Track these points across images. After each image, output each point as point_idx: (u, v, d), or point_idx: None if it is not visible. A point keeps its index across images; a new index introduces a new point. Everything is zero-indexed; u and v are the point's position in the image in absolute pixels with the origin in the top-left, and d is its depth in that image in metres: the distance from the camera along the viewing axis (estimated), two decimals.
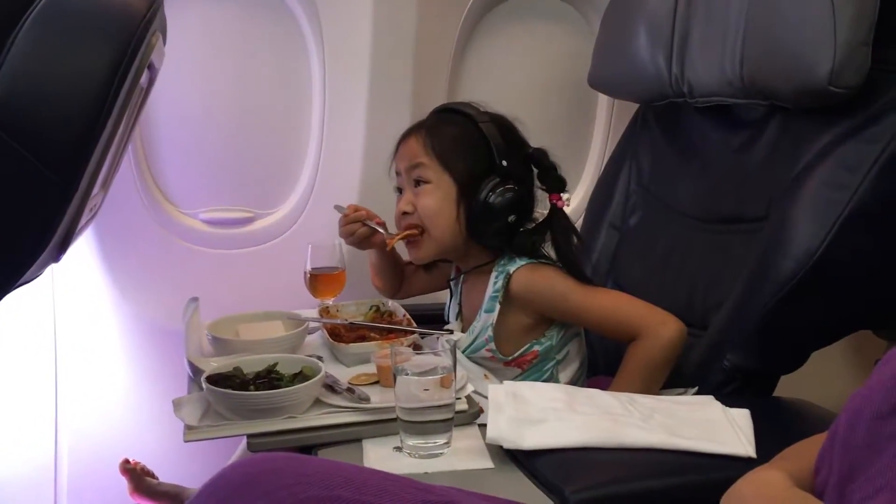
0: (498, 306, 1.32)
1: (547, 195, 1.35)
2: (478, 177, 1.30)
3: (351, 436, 1.11)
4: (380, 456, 1.06)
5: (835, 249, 1.19)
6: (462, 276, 1.43)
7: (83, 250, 1.73)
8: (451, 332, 1.39)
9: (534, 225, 1.34)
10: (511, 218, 1.30)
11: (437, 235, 1.33)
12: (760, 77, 1.32)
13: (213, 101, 1.80)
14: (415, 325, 1.41)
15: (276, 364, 1.18)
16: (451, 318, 1.47)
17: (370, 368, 1.25)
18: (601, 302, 1.30)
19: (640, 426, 1.04)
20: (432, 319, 1.55)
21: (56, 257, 1.10)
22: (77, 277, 1.76)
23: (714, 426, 1.06)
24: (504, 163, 1.29)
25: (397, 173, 1.38)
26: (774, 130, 1.38)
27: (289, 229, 1.86)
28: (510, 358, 1.34)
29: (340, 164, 1.83)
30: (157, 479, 1.72)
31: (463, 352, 1.35)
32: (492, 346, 1.33)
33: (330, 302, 1.55)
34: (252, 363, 1.18)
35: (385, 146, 1.80)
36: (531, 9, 1.93)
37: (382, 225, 1.46)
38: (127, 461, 1.70)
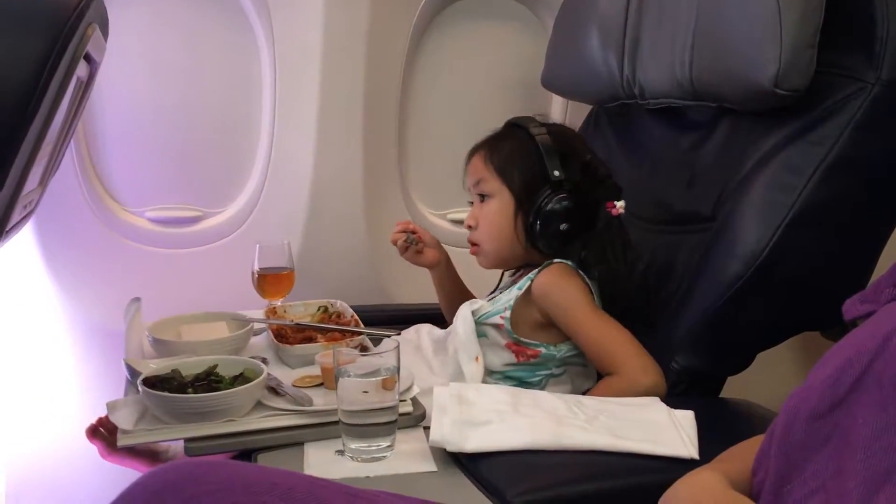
0: (527, 286, 1.31)
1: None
2: (534, 188, 1.31)
3: (292, 439, 1.08)
4: (321, 460, 1.04)
5: (780, 250, 1.19)
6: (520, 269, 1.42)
7: (23, 248, 1.68)
8: (399, 333, 1.37)
9: (592, 234, 1.32)
10: (563, 226, 1.30)
11: (488, 249, 1.36)
12: (708, 79, 1.32)
13: (160, 97, 1.76)
14: (362, 326, 1.39)
15: (216, 366, 1.15)
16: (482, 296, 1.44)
17: (315, 370, 1.23)
18: (597, 328, 1.27)
19: (585, 428, 1.04)
20: (382, 321, 1.53)
21: None
22: (17, 275, 1.71)
23: (658, 428, 1.06)
24: (556, 172, 1.30)
25: (468, 189, 1.40)
26: (723, 132, 1.39)
27: (238, 229, 1.83)
28: (516, 339, 1.30)
29: (291, 164, 1.80)
30: None
31: (479, 319, 1.31)
32: (507, 314, 1.30)
33: (278, 303, 1.53)
34: (191, 365, 1.15)
35: (336, 146, 1.79)
36: (485, 9, 1.92)
37: (418, 241, 1.49)
38: (93, 425, 1.62)
